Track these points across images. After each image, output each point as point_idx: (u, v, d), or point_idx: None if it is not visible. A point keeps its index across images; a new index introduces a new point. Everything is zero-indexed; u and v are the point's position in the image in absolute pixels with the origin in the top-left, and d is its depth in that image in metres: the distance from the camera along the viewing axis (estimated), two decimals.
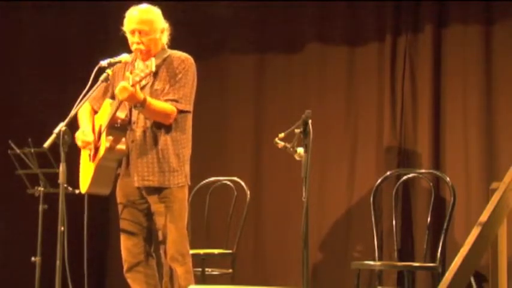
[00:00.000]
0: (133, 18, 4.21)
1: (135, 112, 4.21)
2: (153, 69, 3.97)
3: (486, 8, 5.56)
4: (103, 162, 4.20)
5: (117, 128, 4.20)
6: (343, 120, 6.01)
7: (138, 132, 4.21)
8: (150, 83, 4.21)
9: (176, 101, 4.18)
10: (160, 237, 4.22)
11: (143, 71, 3.97)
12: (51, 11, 6.32)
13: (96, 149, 4.23)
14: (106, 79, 4.07)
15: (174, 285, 4.19)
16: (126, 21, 4.24)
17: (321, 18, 6.14)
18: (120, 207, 4.33)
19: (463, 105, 5.59)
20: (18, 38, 6.32)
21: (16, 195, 5.54)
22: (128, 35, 4.25)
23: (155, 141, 4.19)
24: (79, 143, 4.24)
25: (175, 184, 4.21)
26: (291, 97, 6.19)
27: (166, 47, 4.32)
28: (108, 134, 4.18)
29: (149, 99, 4.07)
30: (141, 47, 4.20)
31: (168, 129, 4.20)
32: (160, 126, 4.19)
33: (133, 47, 4.23)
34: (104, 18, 6.26)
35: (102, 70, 4.07)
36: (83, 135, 4.23)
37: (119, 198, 4.34)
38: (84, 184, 4.31)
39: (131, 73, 4.15)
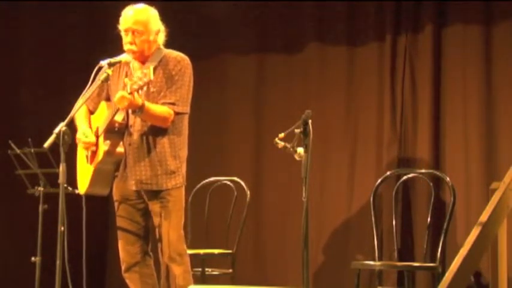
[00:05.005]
0: (129, 17, 4.19)
1: (132, 115, 4.19)
2: (152, 78, 3.95)
3: (486, 8, 5.56)
4: (101, 165, 4.20)
5: (115, 131, 4.19)
6: (343, 120, 6.01)
7: (135, 136, 4.20)
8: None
9: (173, 103, 4.17)
10: (158, 237, 4.22)
11: (141, 80, 3.95)
12: (50, 10, 6.32)
13: (94, 152, 4.23)
14: (106, 79, 4.07)
15: (171, 285, 4.19)
16: (121, 20, 4.23)
17: (321, 18, 6.14)
18: (116, 204, 4.33)
19: (463, 105, 5.59)
20: (18, 37, 6.32)
21: (16, 195, 5.54)
22: (122, 34, 4.23)
23: (152, 144, 4.19)
24: (81, 144, 4.24)
25: (173, 185, 4.21)
26: (291, 97, 6.18)
27: (161, 46, 4.30)
28: (106, 138, 4.18)
29: (147, 105, 4.06)
30: (134, 47, 4.18)
31: (165, 131, 4.19)
32: (157, 129, 4.18)
33: (125, 47, 4.20)
34: (104, 18, 6.25)
35: (101, 70, 4.07)
36: (85, 137, 4.22)
37: (116, 196, 4.33)
38: (83, 185, 4.31)
39: (127, 75, 4.14)
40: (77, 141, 4.24)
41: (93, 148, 4.22)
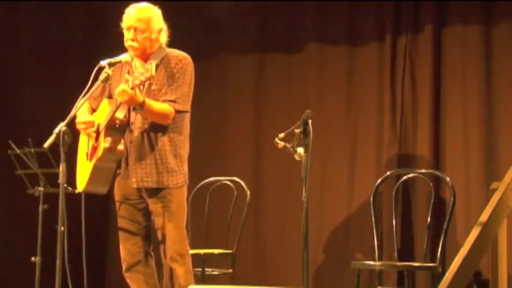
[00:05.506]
0: (131, 15, 4.21)
1: (133, 113, 4.20)
2: (154, 73, 3.96)
3: (486, 8, 5.56)
4: (101, 163, 4.19)
5: (116, 128, 4.19)
6: (343, 120, 6.01)
7: (136, 133, 4.21)
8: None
9: (174, 101, 4.18)
10: (160, 237, 4.22)
11: (143, 75, 3.95)
12: (50, 10, 6.32)
13: (95, 149, 4.23)
14: (106, 79, 4.07)
15: (174, 285, 4.19)
16: (124, 17, 4.24)
17: (321, 18, 6.14)
18: (117, 205, 4.33)
19: (463, 105, 5.60)
20: (18, 38, 6.32)
21: (16, 195, 5.54)
22: (124, 31, 4.23)
23: (153, 142, 4.19)
24: (81, 126, 4.23)
25: (174, 184, 4.21)
26: (291, 97, 6.19)
27: (163, 45, 4.30)
28: (106, 135, 4.18)
29: (148, 101, 4.07)
30: (135, 44, 4.18)
31: (165, 129, 4.20)
32: (158, 127, 4.19)
33: (126, 43, 4.21)
34: (104, 18, 6.25)
35: (102, 70, 4.07)
36: (82, 118, 4.22)
37: (117, 196, 4.33)
38: (81, 183, 4.31)
39: (129, 73, 4.13)
40: (77, 126, 4.24)
41: (94, 129, 4.21)
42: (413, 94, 5.76)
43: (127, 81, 4.00)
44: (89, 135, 4.28)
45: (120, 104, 4.11)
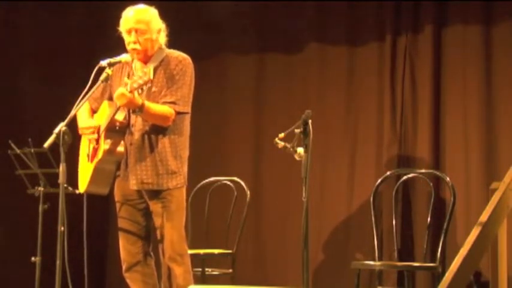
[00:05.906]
0: (130, 17, 4.21)
1: (133, 115, 4.20)
2: (152, 77, 3.96)
3: (486, 8, 5.56)
4: (101, 164, 4.20)
5: (116, 130, 4.20)
6: (343, 120, 6.01)
7: (137, 136, 4.21)
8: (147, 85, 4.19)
9: (174, 103, 4.18)
10: (159, 237, 4.22)
11: (141, 78, 3.96)
12: (50, 10, 6.32)
13: (95, 150, 4.23)
14: (106, 79, 4.08)
15: (172, 285, 4.19)
16: (122, 21, 4.25)
17: (321, 18, 6.14)
18: (117, 205, 4.34)
19: (463, 105, 5.60)
20: (18, 38, 6.32)
21: (16, 195, 5.54)
22: (124, 35, 4.24)
23: (153, 144, 4.20)
24: (83, 131, 4.24)
25: (174, 186, 4.21)
26: (291, 97, 6.19)
27: (163, 46, 4.31)
28: (106, 137, 4.18)
29: (147, 104, 4.07)
30: (138, 46, 4.19)
31: (166, 131, 4.20)
32: (158, 128, 4.19)
33: (129, 47, 4.22)
34: (104, 19, 6.25)
35: (102, 70, 4.07)
36: (85, 123, 4.23)
37: (117, 196, 4.34)
38: (83, 184, 4.31)
39: (129, 75, 4.14)
40: (80, 131, 4.24)
41: (96, 136, 4.21)
42: (413, 94, 5.76)
43: (126, 84, 4.01)
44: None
45: (119, 106, 4.11)
